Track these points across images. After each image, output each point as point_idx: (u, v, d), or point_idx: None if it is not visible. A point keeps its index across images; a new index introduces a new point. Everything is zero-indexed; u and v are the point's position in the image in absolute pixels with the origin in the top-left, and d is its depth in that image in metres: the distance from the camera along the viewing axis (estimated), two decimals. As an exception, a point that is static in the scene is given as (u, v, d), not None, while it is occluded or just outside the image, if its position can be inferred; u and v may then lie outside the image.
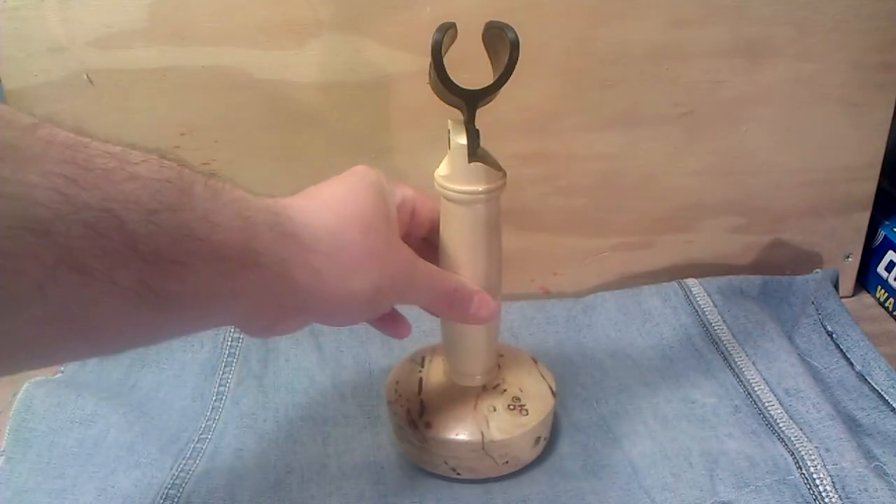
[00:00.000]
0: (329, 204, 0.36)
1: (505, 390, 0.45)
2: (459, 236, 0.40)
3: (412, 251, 0.38)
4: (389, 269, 0.36)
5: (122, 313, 0.27)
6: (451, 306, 0.41)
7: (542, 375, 0.46)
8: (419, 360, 0.48)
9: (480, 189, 0.39)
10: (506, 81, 0.36)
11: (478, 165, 0.38)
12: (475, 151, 0.38)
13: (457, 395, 0.44)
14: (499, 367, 0.46)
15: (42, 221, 0.24)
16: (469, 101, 0.37)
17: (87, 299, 0.26)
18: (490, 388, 0.45)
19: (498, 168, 0.39)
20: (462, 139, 0.38)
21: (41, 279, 0.24)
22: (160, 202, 0.28)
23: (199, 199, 0.30)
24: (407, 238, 0.41)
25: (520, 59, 0.35)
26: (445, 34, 0.35)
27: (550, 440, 0.46)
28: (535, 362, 0.48)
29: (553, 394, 0.45)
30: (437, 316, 0.43)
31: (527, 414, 0.44)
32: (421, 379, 0.46)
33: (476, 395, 0.44)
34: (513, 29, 0.34)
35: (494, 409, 0.43)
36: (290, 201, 0.35)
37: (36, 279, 0.24)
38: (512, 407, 0.44)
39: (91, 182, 0.26)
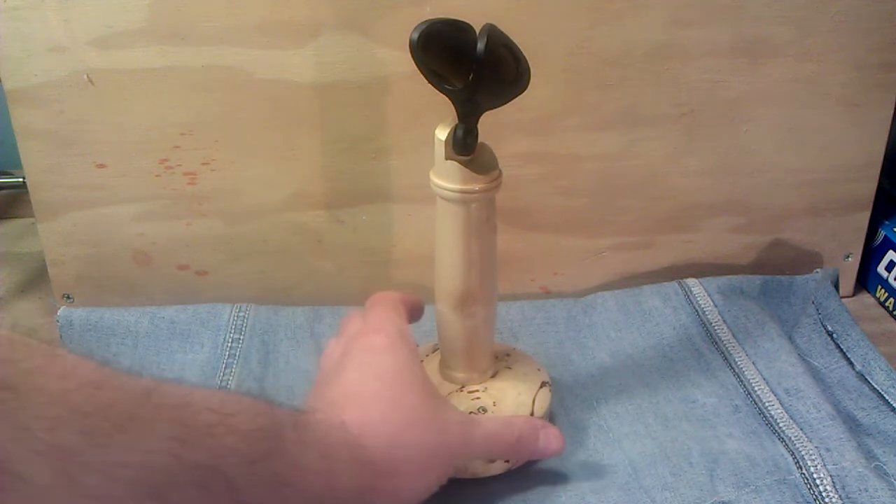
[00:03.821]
0: (387, 413, 0.38)
1: (478, 398, 0.45)
2: (442, 234, 0.41)
3: (467, 418, 0.41)
4: (449, 454, 0.39)
5: None
6: (520, 453, 0.43)
7: (535, 399, 0.45)
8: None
9: (455, 187, 0.39)
10: (476, 89, 0.36)
11: (455, 164, 0.39)
12: (461, 150, 0.39)
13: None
14: (492, 375, 0.46)
15: (158, 485, 0.27)
16: (451, 99, 0.38)
17: None
18: (466, 391, 0.45)
19: (485, 170, 0.39)
20: (441, 135, 0.39)
21: None
22: (257, 452, 0.30)
23: (290, 443, 0.32)
24: None
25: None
26: (421, 33, 0.36)
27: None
28: (543, 385, 0.46)
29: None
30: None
31: None
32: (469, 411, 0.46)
33: (447, 393, 0.45)
34: (485, 39, 0.34)
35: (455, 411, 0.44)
36: (356, 418, 0.37)
37: None
38: (472, 414, 0.44)
39: (198, 441, 0.28)
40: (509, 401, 0.45)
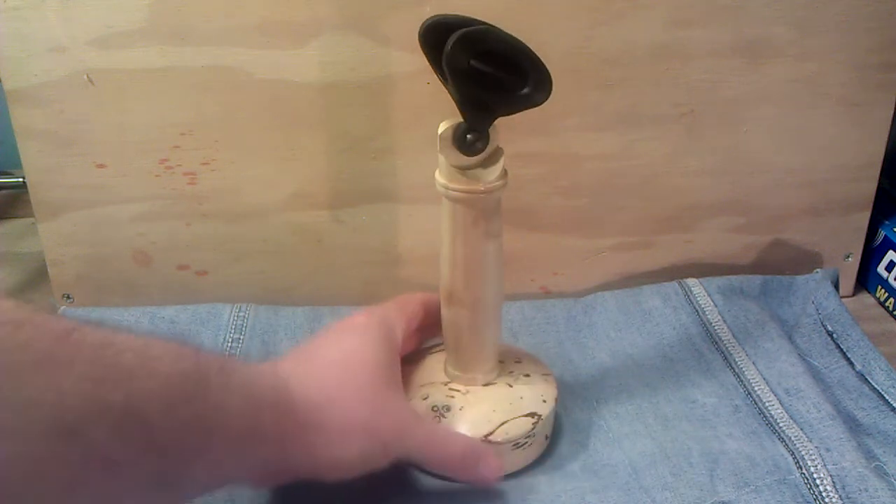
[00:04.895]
0: (328, 372, 0.38)
1: (451, 397, 0.45)
2: (444, 232, 0.41)
3: (413, 415, 0.41)
4: (380, 437, 0.39)
5: (142, 501, 0.30)
6: (456, 470, 0.42)
7: (503, 425, 0.43)
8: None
9: (441, 181, 0.39)
10: (458, 88, 0.36)
11: (443, 159, 0.39)
12: (460, 146, 0.38)
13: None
14: (490, 382, 0.46)
15: (73, 425, 0.26)
16: (450, 93, 0.38)
17: (112, 493, 0.28)
18: (448, 387, 0.45)
19: (476, 174, 0.39)
20: (441, 128, 0.38)
21: (70, 479, 0.27)
22: (178, 396, 0.30)
23: (213, 387, 0.32)
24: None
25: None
26: (425, 26, 0.36)
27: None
28: (529, 415, 0.44)
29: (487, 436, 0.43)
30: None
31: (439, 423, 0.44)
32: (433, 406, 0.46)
33: (430, 383, 0.45)
34: (454, 41, 0.34)
35: (426, 398, 0.44)
36: (293, 369, 0.38)
37: (65, 479, 0.26)
38: (434, 409, 0.44)
39: (116, 382, 0.28)
40: (476, 414, 0.44)
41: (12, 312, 0.27)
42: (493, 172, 0.40)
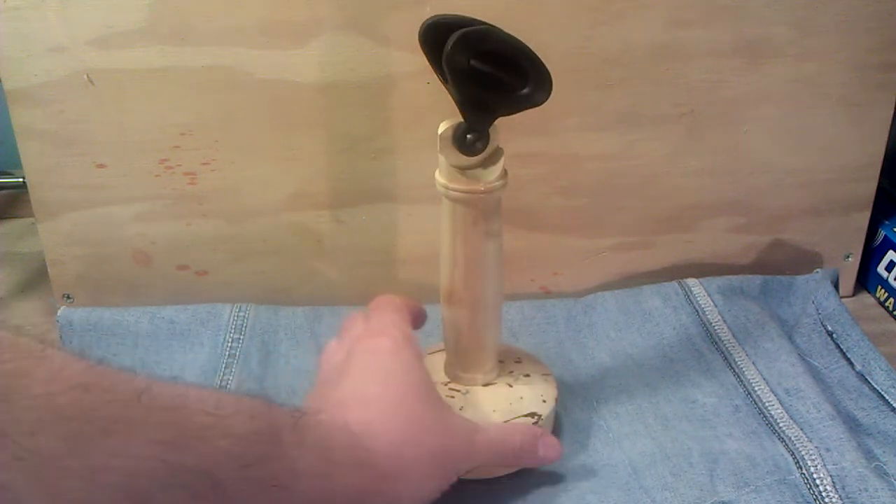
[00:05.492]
0: (390, 416, 0.37)
1: (451, 397, 0.45)
2: (444, 232, 0.41)
3: (471, 427, 0.41)
4: (451, 461, 0.39)
5: None
6: (520, 460, 0.43)
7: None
8: None
9: (441, 180, 0.39)
10: (458, 88, 0.36)
11: (443, 158, 0.39)
12: (460, 146, 0.38)
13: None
14: (490, 383, 0.46)
15: (144, 490, 0.26)
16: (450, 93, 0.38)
17: None
18: (448, 387, 0.45)
19: (475, 175, 0.39)
20: (441, 128, 0.38)
21: None
22: (251, 456, 0.30)
23: (287, 446, 0.32)
24: None
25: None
26: (425, 26, 0.36)
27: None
28: (529, 416, 0.44)
29: None
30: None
31: None
32: None
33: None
34: (454, 41, 0.34)
35: None
36: (359, 418, 0.36)
37: None
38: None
39: (189, 444, 0.28)
40: (476, 414, 0.44)
41: (81, 375, 0.26)
42: (493, 172, 0.40)
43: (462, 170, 0.39)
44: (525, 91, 0.37)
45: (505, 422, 0.44)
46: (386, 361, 0.39)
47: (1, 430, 0.24)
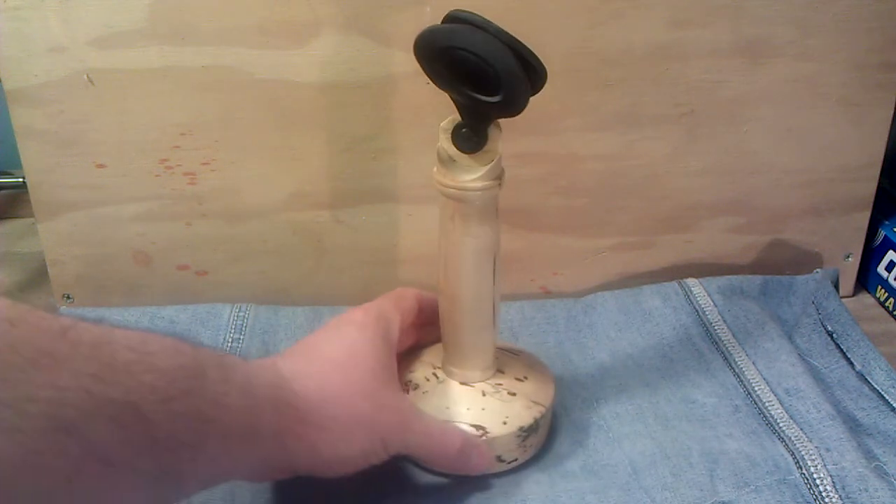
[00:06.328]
0: (328, 369, 0.39)
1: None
2: (439, 229, 0.41)
3: (412, 410, 0.41)
4: (380, 433, 0.39)
5: (141, 495, 0.30)
6: (453, 463, 0.43)
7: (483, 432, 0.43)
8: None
9: (445, 182, 0.39)
10: (460, 91, 0.36)
11: (437, 153, 0.39)
12: (460, 145, 0.39)
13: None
14: (458, 379, 0.45)
15: (71, 420, 0.27)
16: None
17: (110, 487, 0.28)
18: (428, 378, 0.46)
19: (459, 171, 0.39)
20: (443, 123, 0.39)
21: (68, 473, 0.27)
22: (176, 389, 0.30)
23: (211, 381, 0.32)
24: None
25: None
26: (423, 34, 0.36)
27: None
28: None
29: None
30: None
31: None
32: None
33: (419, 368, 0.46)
34: (456, 45, 0.35)
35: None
36: (293, 366, 0.38)
37: (64, 473, 0.27)
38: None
39: (114, 378, 0.28)
40: (429, 408, 0.44)
41: (8, 310, 0.27)
42: (474, 172, 0.39)
43: (458, 166, 0.39)
44: (496, 99, 0.36)
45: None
46: (348, 330, 0.41)
47: None
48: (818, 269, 0.60)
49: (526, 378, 0.46)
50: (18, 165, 0.55)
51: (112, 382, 0.28)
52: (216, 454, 0.33)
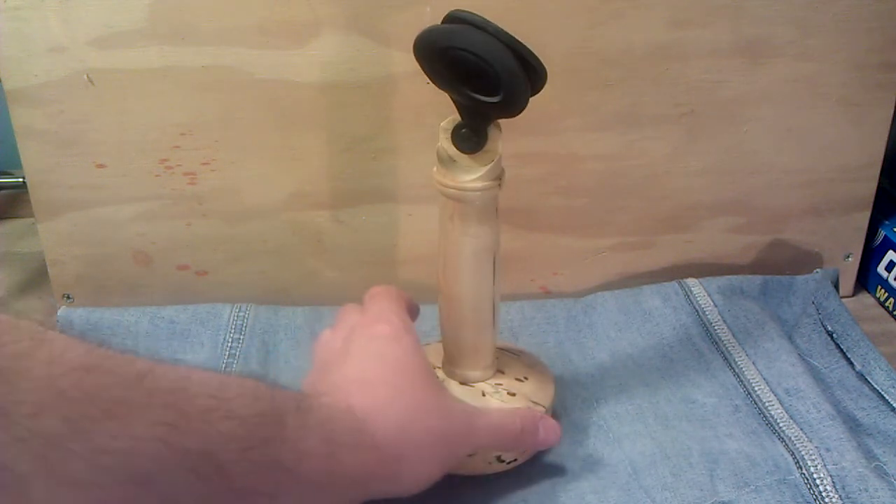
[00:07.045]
0: (392, 396, 0.38)
1: None
2: (439, 229, 0.41)
3: (472, 409, 0.41)
4: (454, 442, 0.39)
5: None
6: (521, 444, 0.43)
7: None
8: None
9: (444, 182, 0.39)
10: (459, 91, 0.36)
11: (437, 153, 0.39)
12: (460, 145, 0.39)
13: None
14: (458, 380, 0.45)
15: (146, 472, 0.26)
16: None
17: None
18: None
19: (457, 171, 0.39)
20: (444, 122, 0.39)
21: None
22: (255, 438, 0.30)
23: (290, 428, 0.32)
24: None
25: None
26: (421, 36, 0.36)
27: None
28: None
29: None
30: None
31: None
32: None
33: None
34: (451, 46, 0.35)
35: None
36: (362, 401, 0.36)
37: None
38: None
39: (191, 426, 0.28)
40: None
41: (84, 357, 0.26)
42: (473, 173, 0.39)
43: (457, 165, 0.39)
44: (496, 99, 0.36)
45: None
46: (386, 346, 0.39)
47: (2, 411, 0.24)
48: (818, 269, 0.60)
49: (526, 378, 0.46)
50: (18, 165, 0.55)
51: (189, 432, 0.28)
52: (297, 500, 0.32)
